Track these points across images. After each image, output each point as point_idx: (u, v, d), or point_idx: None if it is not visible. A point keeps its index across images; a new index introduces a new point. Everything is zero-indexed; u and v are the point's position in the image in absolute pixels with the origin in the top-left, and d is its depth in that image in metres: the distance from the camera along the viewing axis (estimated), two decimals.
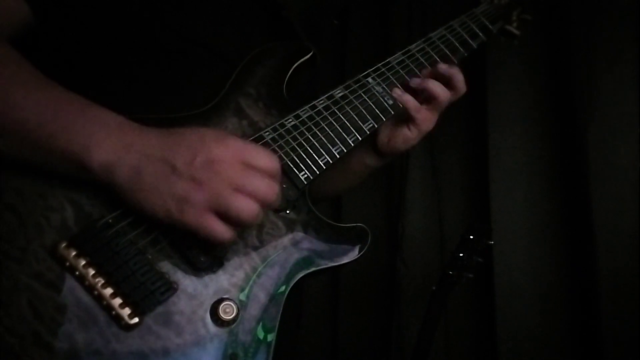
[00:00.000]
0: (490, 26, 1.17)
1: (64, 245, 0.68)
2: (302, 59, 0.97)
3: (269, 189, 0.71)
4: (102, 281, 0.68)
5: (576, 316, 1.91)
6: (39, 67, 0.76)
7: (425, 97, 1.02)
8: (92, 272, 0.68)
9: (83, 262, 0.68)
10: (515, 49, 1.31)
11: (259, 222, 0.76)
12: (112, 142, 0.69)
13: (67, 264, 0.68)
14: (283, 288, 0.79)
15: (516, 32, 1.28)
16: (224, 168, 0.69)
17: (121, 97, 0.86)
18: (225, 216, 0.69)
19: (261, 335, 0.76)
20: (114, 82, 0.87)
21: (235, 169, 0.69)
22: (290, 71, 0.95)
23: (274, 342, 0.76)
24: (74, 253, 0.68)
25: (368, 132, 0.95)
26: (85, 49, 0.87)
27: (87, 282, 0.68)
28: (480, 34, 1.15)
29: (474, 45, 1.13)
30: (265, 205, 0.72)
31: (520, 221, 2.01)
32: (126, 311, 0.68)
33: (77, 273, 0.68)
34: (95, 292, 0.68)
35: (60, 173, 0.71)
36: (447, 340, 2.04)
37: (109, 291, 0.68)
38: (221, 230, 0.69)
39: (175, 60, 0.89)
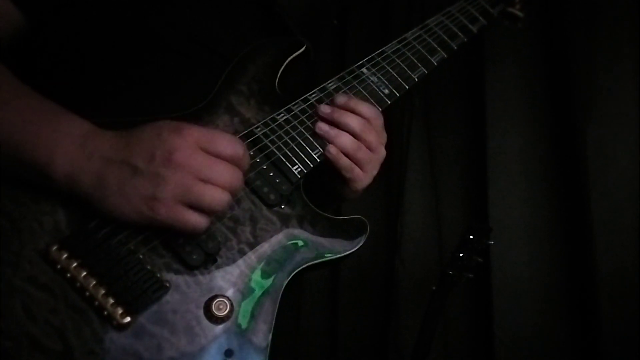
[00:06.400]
0: (490, 9, 1.13)
1: (55, 248, 0.69)
2: (295, 54, 0.96)
3: (233, 176, 0.71)
4: (94, 282, 0.69)
5: (574, 316, 1.87)
6: (33, 72, 0.77)
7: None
8: (83, 273, 0.69)
9: (74, 264, 0.69)
10: (520, 31, 1.27)
11: (247, 216, 0.77)
12: (73, 152, 0.69)
13: (59, 266, 0.68)
14: (279, 283, 0.79)
15: (519, 14, 1.22)
16: (185, 159, 0.68)
17: (118, 98, 0.86)
18: (196, 206, 0.69)
19: (257, 330, 0.75)
20: (110, 83, 0.87)
21: (195, 158, 0.69)
22: (283, 67, 0.94)
23: (270, 338, 0.76)
24: (65, 255, 0.69)
25: None
26: (80, 50, 0.87)
27: (78, 284, 0.68)
28: (481, 18, 1.11)
29: (474, 30, 1.09)
30: (234, 192, 0.71)
31: (518, 221, 1.98)
32: (118, 311, 0.68)
33: (68, 275, 0.68)
34: (87, 293, 0.68)
35: (36, 183, 0.71)
36: (445, 339, 2.03)
37: (100, 292, 0.68)
38: (195, 219, 0.69)
39: (171, 58, 0.89)
